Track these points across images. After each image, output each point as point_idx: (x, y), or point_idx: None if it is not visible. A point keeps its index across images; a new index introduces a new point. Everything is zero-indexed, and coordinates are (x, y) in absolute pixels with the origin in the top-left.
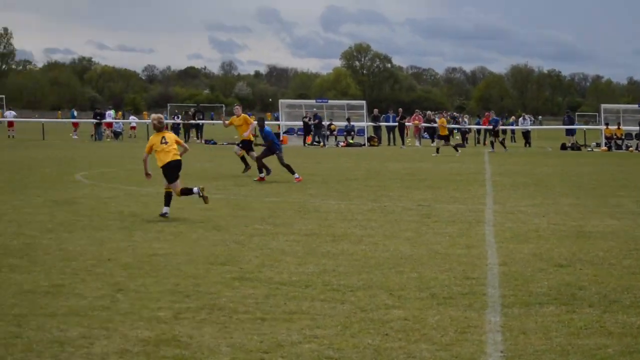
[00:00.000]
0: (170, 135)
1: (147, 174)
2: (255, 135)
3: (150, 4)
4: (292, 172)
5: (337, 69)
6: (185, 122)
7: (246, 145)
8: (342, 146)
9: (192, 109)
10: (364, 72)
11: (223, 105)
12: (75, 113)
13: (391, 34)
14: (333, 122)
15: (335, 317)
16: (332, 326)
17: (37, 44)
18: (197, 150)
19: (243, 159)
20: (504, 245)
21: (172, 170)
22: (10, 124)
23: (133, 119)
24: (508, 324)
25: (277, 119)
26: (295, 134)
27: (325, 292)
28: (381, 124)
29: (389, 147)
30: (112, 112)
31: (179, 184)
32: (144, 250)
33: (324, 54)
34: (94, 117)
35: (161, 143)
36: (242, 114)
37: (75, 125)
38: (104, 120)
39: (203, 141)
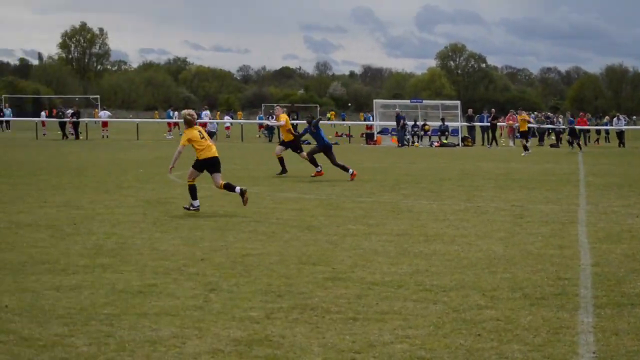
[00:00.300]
0: (204, 131)
1: (172, 168)
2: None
3: (246, 5)
4: (346, 170)
5: (431, 69)
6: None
7: (291, 145)
8: (435, 146)
9: (286, 109)
10: (459, 72)
11: (317, 105)
12: (172, 113)
13: (486, 33)
14: (427, 123)
15: (427, 317)
16: (424, 326)
17: (132, 45)
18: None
19: (281, 160)
20: (597, 245)
21: (215, 164)
22: (105, 124)
23: (228, 119)
24: (600, 325)
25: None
26: (389, 134)
27: (418, 292)
28: (475, 124)
29: (483, 147)
30: (207, 112)
31: (220, 179)
32: (237, 250)
33: (418, 54)
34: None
35: (201, 138)
36: (282, 114)
37: (170, 125)
38: (199, 120)
39: None
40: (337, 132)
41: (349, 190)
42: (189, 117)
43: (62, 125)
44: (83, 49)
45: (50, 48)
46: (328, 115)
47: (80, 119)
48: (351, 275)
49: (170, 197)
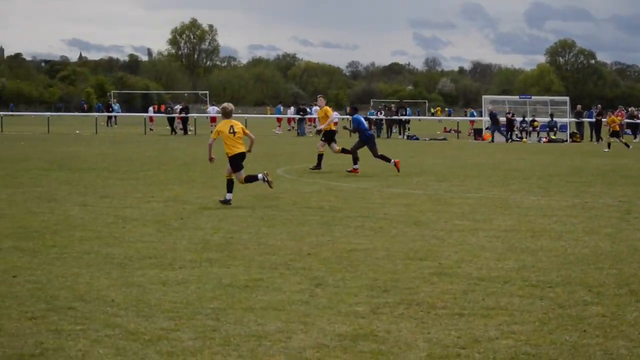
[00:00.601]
0: (238, 125)
1: (211, 159)
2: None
3: (355, 1)
4: (388, 160)
5: (541, 65)
6: (388, 117)
7: (327, 136)
8: (544, 142)
9: (394, 105)
10: (568, 68)
11: (426, 101)
12: (282, 109)
13: (596, 30)
14: (536, 119)
15: (533, 313)
16: (529, 322)
17: (242, 41)
18: (400, 145)
19: (320, 156)
20: None
21: (238, 160)
22: (213, 119)
23: (336, 115)
24: None
25: (471, 115)
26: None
27: (524, 288)
28: (584, 119)
29: (591, 143)
30: (317, 108)
31: (243, 173)
32: (343, 245)
33: (528, 50)
34: (297, 113)
35: (229, 132)
36: (325, 106)
37: (279, 120)
38: (307, 116)
39: (405, 137)
40: (445, 128)
41: (456, 186)
42: (225, 109)
43: (171, 121)
44: (193, 45)
45: (159, 44)
46: (432, 110)
47: (188, 115)
48: (457, 271)
49: (277, 192)
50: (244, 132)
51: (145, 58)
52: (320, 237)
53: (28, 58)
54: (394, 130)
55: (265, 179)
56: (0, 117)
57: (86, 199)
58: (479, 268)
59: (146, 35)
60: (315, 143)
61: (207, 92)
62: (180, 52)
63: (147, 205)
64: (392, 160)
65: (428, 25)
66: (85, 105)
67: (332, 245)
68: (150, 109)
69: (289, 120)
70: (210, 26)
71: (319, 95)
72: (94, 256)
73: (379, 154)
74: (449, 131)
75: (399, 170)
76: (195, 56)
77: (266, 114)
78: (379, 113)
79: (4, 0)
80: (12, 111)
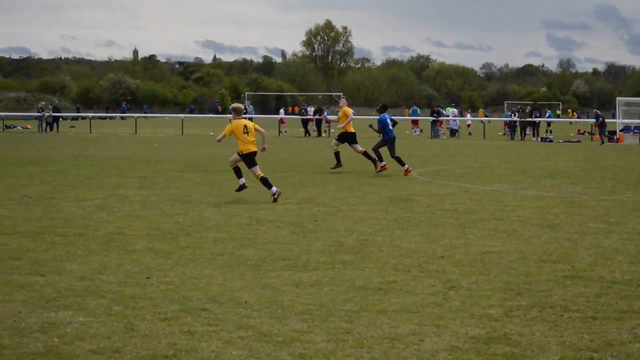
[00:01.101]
0: (250, 124)
1: (219, 140)
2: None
3: (489, 2)
4: (402, 164)
5: None
6: (522, 119)
7: (345, 137)
8: None
9: (529, 107)
10: None
11: (560, 103)
12: (419, 111)
13: None
14: None
15: None
16: None
17: (376, 42)
18: (533, 147)
19: (337, 154)
20: None
21: (252, 157)
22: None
23: (470, 117)
24: None
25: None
26: (631, 132)
27: None
28: None
29: None
30: (454, 109)
31: (259, 170)
32: (476, 247)
33: None
34: (431, 115)
35: (243, 133)
36: (345, 107)
37: (415, 122)
38: (441, 118)
39: (539, 139)
40: (579, 130)
41: (590, 189)
42: (236, 109)
43: (305, 123)
44: (327, 47)
45: (293, 45)
46: (558, 112)
47: (321, 117)
48: (591, 274)
49: (412, 194)
50: (255, 129)
51: (279, 59)
52: (453, 239)
53: (162, 60)
54: (528, 132)
55: (275, 197)
56: (135, 119)
57: (220, 201)
58: (612, 271)
59: (280, 36)
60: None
61: (341, 93)
62: (314, 54)
63: (281, 207)
64: (405, 166)
65: (561, 26)
66: (219, 107)
67: (466, 248)
68: (281, 110)
69: (414, 122)
70: (345, 27)
71: (342, 97)
72: (227, 257)
73: (396, 155)
74: (583, 133)
75: (405, 175)
76: (329, 58)
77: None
78: (513, 115)
79: (139, 3)
80: (146, 113)
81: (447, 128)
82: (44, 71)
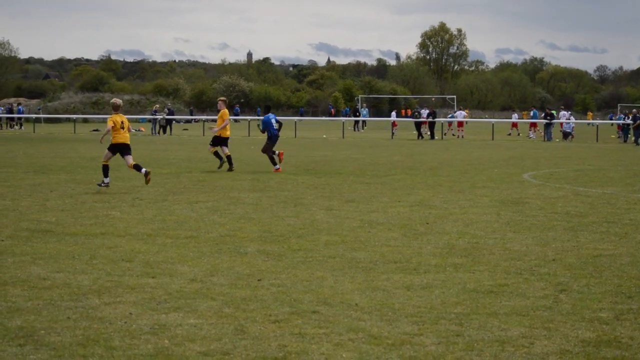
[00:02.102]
0: (125, 121)
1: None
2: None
3: (603, 4)
4: (273, 163)
5: None
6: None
7: (218, 141)
8: None
9: (635, 109)
10: None
11: None
12: (538, 114)
13: None
14: None
15: None
16: None
17: (489, 45)
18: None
19: (216, 153)
20: None
21: (119, 148)
22: (460, 124)
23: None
24: None
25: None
26: None
27: None
28: None
29: None
30: (565, 112)
31: (132, 160)
32: (588, 250)
33: None
34: (544, 118)
35: (120, 128)
36: (223, 109)
37: (533, 125)
38: (554, 121)
39: None
40: None
41: None
42: (115, 104)
43: (418, 126)
44: (441, 50)
45: (407, 48)
46: None
47: (435, 119)
48: None
49: (524, 197)
50: (128, 128)
51: (393, 62)
52: (565, 242)
53: (276, 62)
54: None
55: (146, 175)
56: (248, 122)
57: (332, 203)
58: None
59: (394, 39)
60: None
61: (455, 96)
62: (428, 57)
63: (393, 209)
64: (277, 166)
65: None
66: (332, 110)
67: (577, 251)
68: (393, 113)
69: (532, 125)
70: (459, 30)
71: (219, 99)
72: (338, 260)
73: (270, 153)
74: None
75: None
76: (443, 60)
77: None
78: (626, 117)
79: (253, 6)
80: (259, 115)
81: (560, 131)
82: (158, 74)
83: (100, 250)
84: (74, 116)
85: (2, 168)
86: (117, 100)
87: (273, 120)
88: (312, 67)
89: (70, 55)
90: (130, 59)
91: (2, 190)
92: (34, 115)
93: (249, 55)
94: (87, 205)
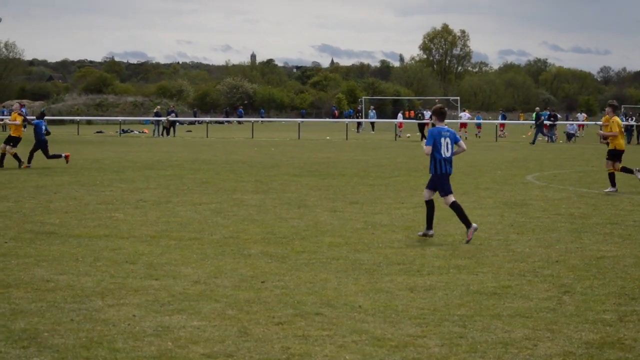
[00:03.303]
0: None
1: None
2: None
3: (605, 5)
4: (58, 157)
5: None
6: (639, 124)
7: (12, 140)
8: None
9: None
10: None
11: None
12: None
13: None
14: None
15: None
16: None
17: (492, 46)
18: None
19: (16, 155)
20: None
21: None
22: (463, 125)
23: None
24: None
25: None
26: None
27: None
28: None
29: None
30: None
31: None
32: (591, 252)
33: None
34: (548, 119)
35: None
36: (14, 112)
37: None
38: (558, 123)
39: None
40: None
41: None
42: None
43: (421, 127)
44: (444, 51)
45: (411, 50)
46: None
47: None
48: None
49: (528, 198)
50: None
51: (396, 64)
52: (569, 244)
53: (280, 64)
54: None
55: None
56: (252, 123)
57: (336, 205)
58: None
59: (397, 40)
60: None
61: (458, 97)
62: (431, 58)
63: (397, 211)
64: (29, 164)
65: None
66: (336, 111)
67: (581, 253)
68: (400, 115)
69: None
70: (462, 32)
71: (14, 102)
72: (342, 262)
73: (50, 155)
74: None
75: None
76: (447, 62)
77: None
78: (629, 119)
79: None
80: (262, 117)
81: (564, 132)
82: (162, 75)
83: (103, 252)
84: (78, 118)
85: (6, 170)
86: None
87: (43, 126)
88: (316, 68)
89: (74, 57)
90: (133, 61)
91: (6, 192)
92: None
93: (253, 56)
94: (90, 207)
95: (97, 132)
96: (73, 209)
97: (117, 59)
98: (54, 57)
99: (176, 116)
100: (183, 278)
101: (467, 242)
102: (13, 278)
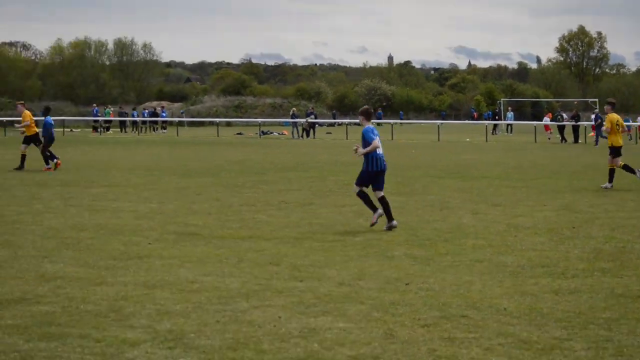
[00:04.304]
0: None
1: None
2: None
3: None
4: (46, 162)
5: None
6: None
7: (30, 139)
8: None
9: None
10: None
11: None
12: None
13: None
14: None
15: None
16: None
17: (629, 47)
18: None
19: (23, 157)
20: None
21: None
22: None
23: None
24: None
25: None
26: None
27: None
28: None
29: None
30: None
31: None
32: None
33: None
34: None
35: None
36: (25, 111)
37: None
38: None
39: None
40: None
41: None
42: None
43: (561, 129)
44: (581, 53)
45: (546, 51)
46: None
47: (579, 122)
48: None
49: None
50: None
51: (533, 65)
52: None
53: (417, 66)
54: None
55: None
56: (391, 125)
57: (478, 207)
58: None
59: (533, 42)
60: None
61: (597, 99)
62: (568, 60)
63: (539, 213)
64: (49, 164)
65: None
66: (475, 113)
67: None
68: (546, 118)
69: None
70: (599, 33)
71: (18, 104)
72: (486, 264)
73: (46, 152)
74: None
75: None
76: (584, 64)
77: None
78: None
79: (392, 9)
80: (401, 119)
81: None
82: (299, 77)
83: (247, 254)
84: (217, 119)
85: (148, 171)
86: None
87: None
88: (453, 70)
89: (211, 58)
90: (270, 63)
91: (149, 194)
92: (176, 119)
93: (390, 58)
94: (233, 209)
95: (237, 133)
96: (216, 211)
97: (253, 60)
98: (191, 58)
99: (315, 118)
100: (327, 280)
101: (371, 225)
102: (158, 279)
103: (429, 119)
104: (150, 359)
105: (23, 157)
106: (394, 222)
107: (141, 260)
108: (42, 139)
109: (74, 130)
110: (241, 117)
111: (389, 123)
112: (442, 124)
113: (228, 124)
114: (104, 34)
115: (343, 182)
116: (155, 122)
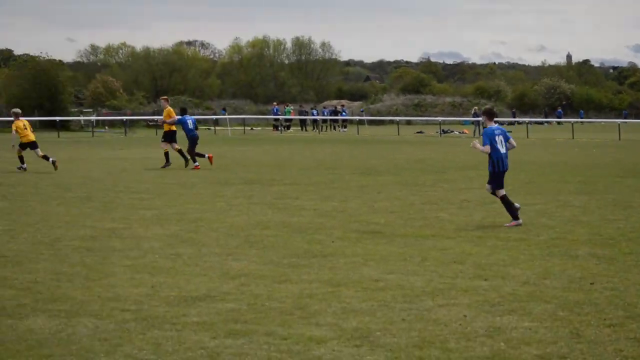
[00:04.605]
0: (28, 123)
1: (14, 146)
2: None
3: None
4: (186, 160)
5: None
6: None
7: (167, 136)
8: None
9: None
10: None
11: None
12: None
13: None
14: None
15: None
16: None
17: None
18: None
19: (166, 154)
20: None
21: (32, 144)
22: None
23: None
24: None
25: None
26: None
27: None
28: None
29: None
30: None
31: (40, 152)
32: None
33: None
34: None
35: (24, 129)
36: (168, 107)
37: None
38: None
39: None
40: None
41: None
42: (14, 111)
43: None
44: None
45: None
46: None
47: None
48: None
49: None
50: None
51: None
52: None
53: (595, 64)
54: None
55: (54, 163)
56: (571, 124)
57: None
58: None
59: None
60: None
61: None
62: None
63: None
64: (196, 163)
65: None
66: None
67: None
68: None
69: None
70: None
71: (161, 99)
72: None
73: (194, 153)
74: None
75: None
76: None
77: None
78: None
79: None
80: (582, 118)
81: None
82: (478, 76)
83: (431, 252)
84: (397, 118)
85: (329, 169)
86: (15, 110)
87: (189, 120)
88: (632, 68)
89: (390, 57)
90: (448, 61)
91: (331, 192)
92: (357, 117)
93: (569, 57)
94: (415, 207)
95: (418, 132)
96: (397, 209)
97: (432, 59)
98: (370, 57)
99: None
100: (512, 279)
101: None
102: (342, 277)
103: (609, 117)
104: (337, 357)
105: (166, 154)
106: (520, 221)
107: (325, 258)
108: (186, 139)
109: (254, 128)
110: (421, 116)
111: (569, 122)
112: (623, 122)
113: (408, 123)
114: (281, 33)
115: (524, 181)
116: (336, 121)
